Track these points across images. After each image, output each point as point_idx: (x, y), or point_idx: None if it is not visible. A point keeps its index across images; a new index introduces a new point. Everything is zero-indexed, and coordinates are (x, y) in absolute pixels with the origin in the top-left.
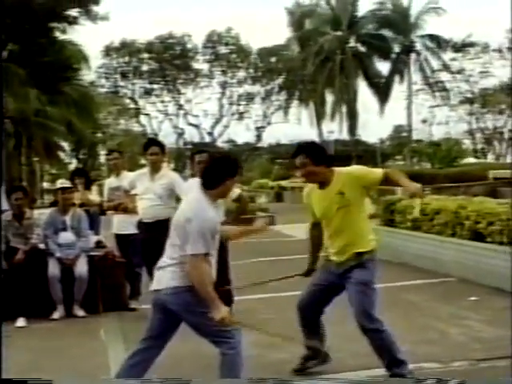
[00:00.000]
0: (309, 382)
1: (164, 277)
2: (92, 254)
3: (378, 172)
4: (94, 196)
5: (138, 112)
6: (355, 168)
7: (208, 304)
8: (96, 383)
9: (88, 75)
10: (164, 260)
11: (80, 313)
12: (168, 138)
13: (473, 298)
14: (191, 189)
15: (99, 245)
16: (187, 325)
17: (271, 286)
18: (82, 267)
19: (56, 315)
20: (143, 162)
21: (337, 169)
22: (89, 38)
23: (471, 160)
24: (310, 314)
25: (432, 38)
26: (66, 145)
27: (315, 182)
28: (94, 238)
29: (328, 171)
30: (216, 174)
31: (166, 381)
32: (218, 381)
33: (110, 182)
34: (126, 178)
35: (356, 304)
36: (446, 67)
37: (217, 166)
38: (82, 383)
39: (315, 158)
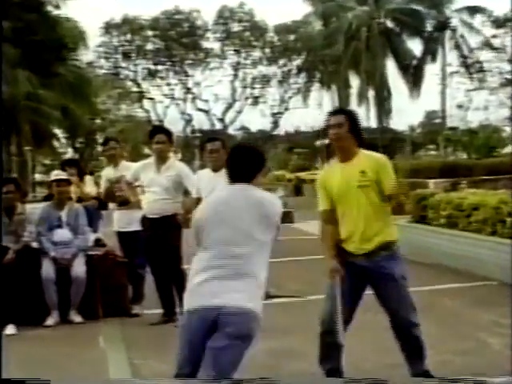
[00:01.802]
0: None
1: None
2: (90, 253)
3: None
4: (90, 188)
5: (141, 96)
6: (384, 158)
7: None
8: None
9: (85, 55)
10: None
11: (77, 318)
12: (175, 124)
13: None
14: (205, 182)
15: (98, 243)
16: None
17: (289, 290)
18: (79, 268)
19: (50, 321)
20: (147, 151)
21: (363, 150)
22: (86, 13)
23: None
24: (339, 330)
25: (470, 10)
26: (60, 132)
27: (340, 150)
28: (92, 236)
29: (356, 145)
30: (251, 166)
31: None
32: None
33: (108, 173)
34: (126, 168)
35: (401, 299)
36: (486, 45)
37: (251, 158)
38: None
39: (353, 126)
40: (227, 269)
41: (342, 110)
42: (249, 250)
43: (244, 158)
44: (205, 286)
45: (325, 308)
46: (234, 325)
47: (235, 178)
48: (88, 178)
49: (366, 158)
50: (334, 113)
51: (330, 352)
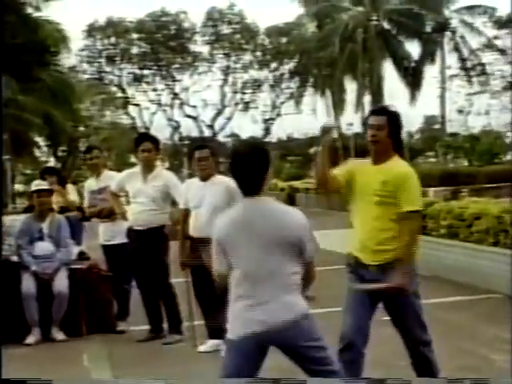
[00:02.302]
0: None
1: None
2: (74, 267)
3: (416, 202)
4: (73, 196)
5: (126, 102)
6: (413, 174)
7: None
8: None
9: (68, 59)
10: None
11: (59, 336)
12: (161, 131)
13: None
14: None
15: (82, 256)
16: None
17: None
18: (61, 282)
19: (31, 339)
20: (133, 160)
21: (397, 157)
22: (68, 15)
23: None
24: (360, 344)
25: (470, 10)
26: (41, 140)
27: (374, 152)
28: (75, 249)
29: (392, 150)
30: (255, 175)
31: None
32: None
33: (90, 184)
34: (109, 178)
35: (412, 318)
36: (487, 46)
37: (253, 164)
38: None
39: (394, 129)
40: (260, 293)
41: (384, 110)
42: (276, 269)
43: (247, 167)
44: (249, 312)
45: (345, 322)
46: (289, 337)
47: (245, 191)
48: (70, 187)
49: (394, 167)
50: (375, 112)
51: (349, 372)
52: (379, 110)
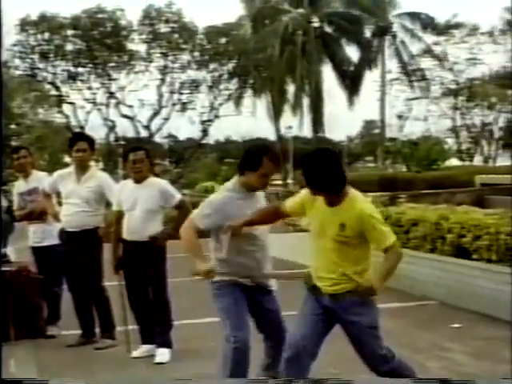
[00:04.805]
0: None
1: None
2: (2, 269)
3: (388, 236)
4: None
5: (60, 100)
6: (373, 209)
7: None
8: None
9: None
10: None
11: None
12: (97, 131)
13: (455, 326)
14: (124, 191)
15: (4, 258)
16: None
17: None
18: None
19: None
20: (67, 159)
21: (352, 192)
22: None
23: (455, 162)
24: (307, 359)
25: (411, 16)
26: None
27: (328, 200)
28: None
29: (342, 193)
30: (240, 164)
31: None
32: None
33: (18, 185)
34: (38, 179)
35: (365, 348)
36: (426, 52)
37: (242, 157)
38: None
39: (324, 184)
40: None
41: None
42: None
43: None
44: None
45: (297, 332)
46: None
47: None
48: None
49: (351, 205)
50: (302, 162)
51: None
52: (303, 160)
